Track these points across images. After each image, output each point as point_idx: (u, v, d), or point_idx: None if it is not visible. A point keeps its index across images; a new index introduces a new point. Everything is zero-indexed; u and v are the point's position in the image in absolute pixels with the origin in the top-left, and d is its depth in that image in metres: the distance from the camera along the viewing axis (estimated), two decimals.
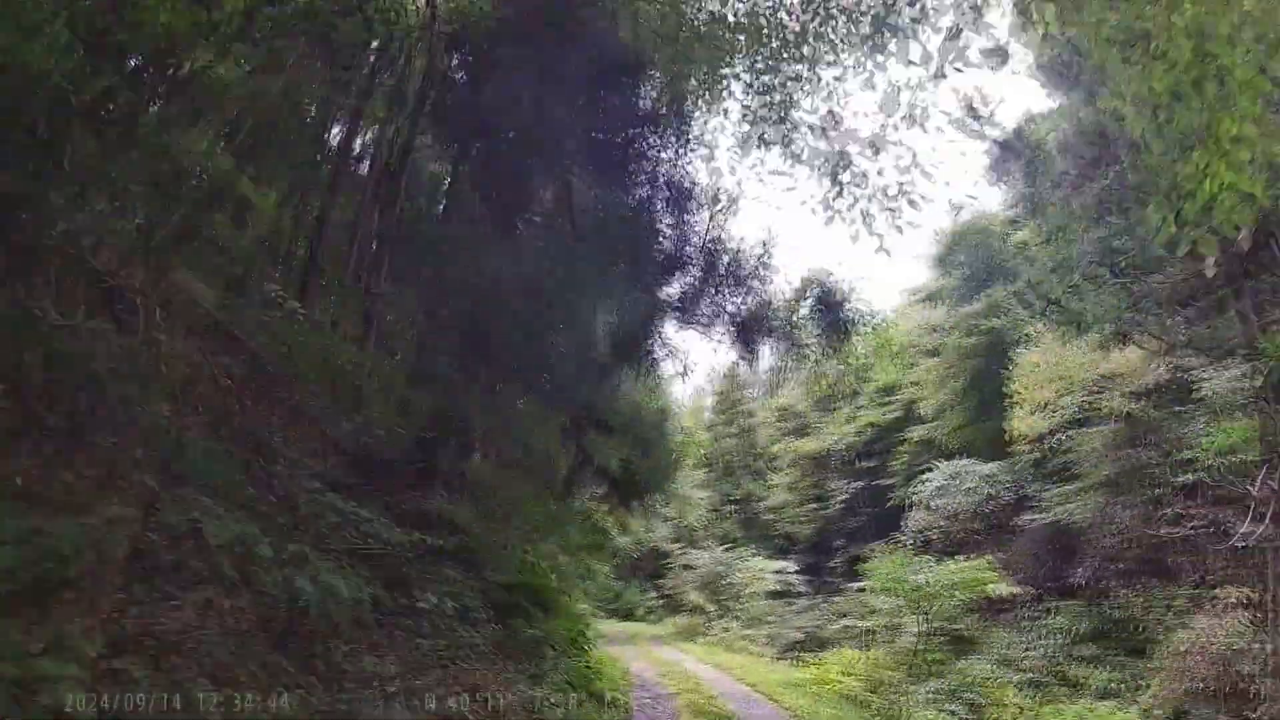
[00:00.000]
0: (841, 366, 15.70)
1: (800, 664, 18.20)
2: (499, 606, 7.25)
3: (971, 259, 26.86)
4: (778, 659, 21.12)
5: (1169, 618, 14.09)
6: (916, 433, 27.90)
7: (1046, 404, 17.46)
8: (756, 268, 13.68)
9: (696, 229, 13.32)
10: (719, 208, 13.48)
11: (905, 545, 21.52)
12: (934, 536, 22.45)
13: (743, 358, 14.96)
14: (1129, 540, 15.84)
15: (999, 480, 21.52)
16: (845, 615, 27.33)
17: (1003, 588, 16.19)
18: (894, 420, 31.91)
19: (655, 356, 14.19)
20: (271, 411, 6.18)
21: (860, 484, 33.43)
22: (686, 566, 30.03)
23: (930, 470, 23.52)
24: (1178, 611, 13.98)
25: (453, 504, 7.70)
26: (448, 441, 8.59)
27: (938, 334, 27.84)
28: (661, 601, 32.53)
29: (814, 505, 33.01)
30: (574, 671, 8.64)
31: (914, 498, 23.59)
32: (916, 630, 17.07)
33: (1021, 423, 17.74)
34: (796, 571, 28.66)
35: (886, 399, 32.62)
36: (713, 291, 13.65)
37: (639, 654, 19.36)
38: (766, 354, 14.82)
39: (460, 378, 8.81)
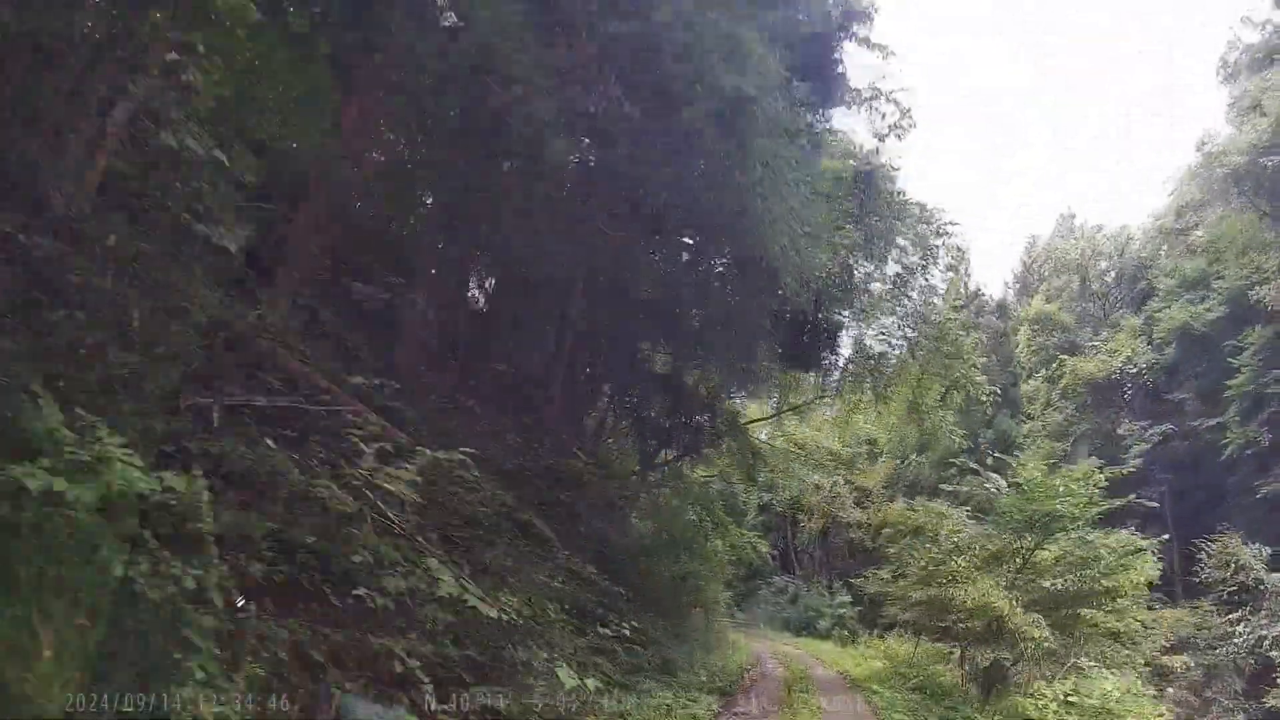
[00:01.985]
0: None
1: None
2: None
3: None
4: None
5: None
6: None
7: None
8: None
9: None
10: None
11: None
12: None
13: None
14: None
15: None
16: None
17: None
18: (1214, 322, 21.01)
19: None
20: None
21: (1164, 429, 22.44)
22: (922, 535, 13.92)
23: None
24: None
25: None
26: None
27: None
28: (858, 609, 22.56)
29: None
30: None
31: None
32: None
33: None
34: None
35: (1198, 293, 21.79)
36: None
37: None
38: None
39: None
